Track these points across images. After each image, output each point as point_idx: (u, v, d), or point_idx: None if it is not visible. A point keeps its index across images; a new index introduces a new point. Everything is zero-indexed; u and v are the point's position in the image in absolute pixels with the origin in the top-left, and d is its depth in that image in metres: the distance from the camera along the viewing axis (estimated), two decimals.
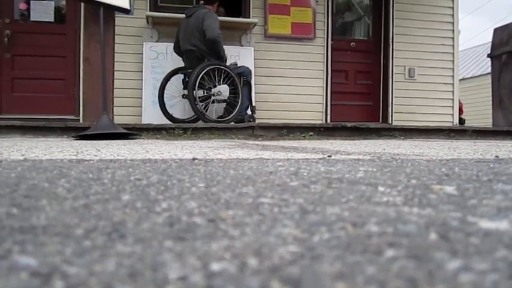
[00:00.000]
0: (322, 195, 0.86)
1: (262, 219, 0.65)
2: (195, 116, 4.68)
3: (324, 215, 0.68)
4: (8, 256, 0.46)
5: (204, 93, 4.60)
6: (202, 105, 4.52)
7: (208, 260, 0.45)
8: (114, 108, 4.29)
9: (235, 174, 1.18)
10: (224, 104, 4.79)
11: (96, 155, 1.81)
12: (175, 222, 0.62)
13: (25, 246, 0.49)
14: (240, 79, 4.72)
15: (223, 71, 4.57)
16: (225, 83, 4.62)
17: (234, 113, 4.66)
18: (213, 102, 4.67)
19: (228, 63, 4.82)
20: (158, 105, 4.81)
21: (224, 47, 5.62)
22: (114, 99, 4.25)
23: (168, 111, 4.82)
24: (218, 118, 4.67)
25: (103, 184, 0.98)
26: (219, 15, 4.85)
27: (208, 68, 4.51)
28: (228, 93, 4.74)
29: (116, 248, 0.49)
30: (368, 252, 0.48)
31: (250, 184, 1.00)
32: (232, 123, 4.69)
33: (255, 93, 5.60)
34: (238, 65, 4.96)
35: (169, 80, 4.85)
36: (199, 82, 4.47)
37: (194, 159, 1.67)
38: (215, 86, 4.57)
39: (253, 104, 4.98)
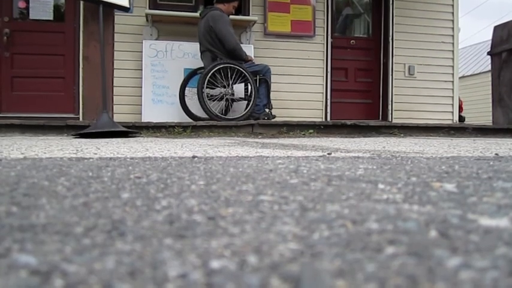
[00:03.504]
0: (322, 192, 0.86)
1: (262, 216, 0.65)
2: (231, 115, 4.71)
3: (323, 212, 0.68)
4: (8, 254, 0.45)
5: (215, 91, 4.60)
6: (214, 104, 4.52)
7: (208, 258, 0.45)
8: (114, 106, 4.29)
9: (235, 172, 1.18)
10: (240, 102, 4.79)
11: (95, 153, 1.81)
12: (175, 220, 0.62)
13: (25, 245, 0.49)
14: (256, 77, 4.69)
15: (236, 69, 4.55)
16: (239, 81, 4.62)
17: (245, 111, 4.64)
18: (227, 100, 4.67)
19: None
20: (179, 104, 4.82)
21: None
22: (114, 97, 4.25)
23: (190, 110, 4.82)
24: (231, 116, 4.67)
25: (103, 182, 0.98)
26: (232, 14, 4.81)
27: (219, 67, 4.50)
28: (242, 91, 4.73)
29: (116, 246, 0.49)
30: (368, 249, 0.48)
31: (250, 182, 0.99)
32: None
33: None
34: (256, 63, 4.94)
35: (189, 80, 4.85)
36: (212, 81, 4.47)
37: (194, 157, 1.66)
38: (229, 85, 4.57)
39: (271, 102, 4.89)
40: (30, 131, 3.78)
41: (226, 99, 4.66)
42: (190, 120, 4.63)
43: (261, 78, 4.75)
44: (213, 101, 4.58)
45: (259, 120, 4.49)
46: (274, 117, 4.79)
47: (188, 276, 0.39)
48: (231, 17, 4.85)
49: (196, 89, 4.58)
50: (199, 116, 4.74)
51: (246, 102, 4.73)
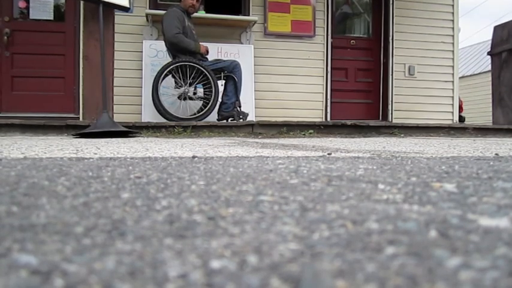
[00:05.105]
0: (322, 192, 0.86)
1: (262, 216, 0.65)
2: (195, 115, 4.64)
3: (324, 212, 0.68)
4: (8, 254, 0.45)
5: (175, 91, 4.56)
6: (173, 103, 4.47)
7: (208, 258, 0.45)
8: (114, 106, 4.29)
9: (235, 172, 1.18)
10: (201, 101, 4.68)
11: (96, 153, 1.81)
12: (175, 220, 0.62)
13: (25, 245, 0.49)
14: (219, 75, 4.61)
15: (195, 67, 4.46)
16: (199, 79, 4.52)
17: (205, 110, 4.55)
18: (185, 99, 4.59)
19: (211, 59, 4.74)
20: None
21: (224, 45, 5.54)
22: (114, 97, 4.25)
23: (167, 109, 4.78)
24: (192, 115, 4.58)
25: (103, 182, 0.98)
26: (193, 11, 4.75)
27: (174, 65, 4.45)
28: (202, 89, 4.63)
29: (116, 246, 0.49)
30: (368, 249, 0.48)
31: (250, 182, 0.99)
32: (226, 120, 4.62)
33: (255, 91, 5.60)
34: (223, 59, 4.83)
35: (162, 81, 4.78)
36: (171, 80, 4.41)
37: (194, 157, 1.66)
38: (189, 84, 4.50)
39: (239, 99, 4.73)
40: (31, 131, 3.78)
41: (185, 98, 4.57)
42: (190, 120, 4.60)
43: (227, 76, 4.65)
44: (183, 100, 4.53)
45: (259, 120, 4.47)
46: (247, 115, 4.68)
47: (188, 276, 0.39)
48: (231, 17, 4.82)
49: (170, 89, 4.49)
50: (178, 116, 4.57)
51: (212, 101, 4.56)
